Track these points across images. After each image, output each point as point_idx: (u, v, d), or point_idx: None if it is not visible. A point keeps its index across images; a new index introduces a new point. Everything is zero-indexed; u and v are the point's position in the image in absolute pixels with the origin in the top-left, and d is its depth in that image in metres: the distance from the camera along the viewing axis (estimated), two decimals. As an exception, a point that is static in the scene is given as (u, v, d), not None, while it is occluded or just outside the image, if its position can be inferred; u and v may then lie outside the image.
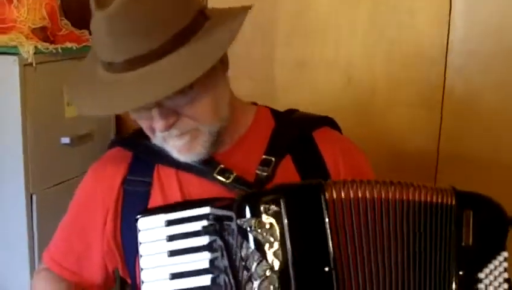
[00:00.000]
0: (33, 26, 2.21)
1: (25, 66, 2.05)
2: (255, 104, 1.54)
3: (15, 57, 2.04)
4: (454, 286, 1.23)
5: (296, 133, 1.46)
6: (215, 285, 1.24)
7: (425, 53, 2.22)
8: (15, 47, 2.06)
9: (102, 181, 1.45)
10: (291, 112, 1.54)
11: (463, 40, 2.18)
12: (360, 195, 1.22)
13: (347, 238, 1.20)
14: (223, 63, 1.33)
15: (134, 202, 1.39)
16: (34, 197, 2.12)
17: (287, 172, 1.41)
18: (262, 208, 1.17)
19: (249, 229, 1.15)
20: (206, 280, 1.25)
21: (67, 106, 2.25)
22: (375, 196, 1.22)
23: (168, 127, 1.29)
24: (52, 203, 2.11)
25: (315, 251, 1.17)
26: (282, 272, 1.14)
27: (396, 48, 2.25)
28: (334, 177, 1.42)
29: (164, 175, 1.41)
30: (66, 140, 2.23)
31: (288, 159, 1.43)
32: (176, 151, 1.35)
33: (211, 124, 1.32)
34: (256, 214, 1.17)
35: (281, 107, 1.59)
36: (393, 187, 1.25)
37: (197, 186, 1.38)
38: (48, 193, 2.18)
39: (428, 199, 1.25)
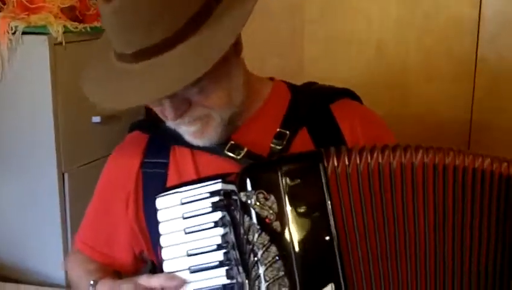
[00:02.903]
0: (62, 6, 2.17)
1: (54, 45, 2.05)
2: (271, 79, 1.47)
3: (45, 37, 2.03)
4: None
5: (312, 105, 1.39)
6: (228, 260, 1.21)
7: (458, 25, 2.17)
8: (44, 26, 2.04)
9: (121, 166, 1.43)
10: (309, 85, 1.48)
11: (495, 12, 2.12)
12: (364, 161, 1.13)
13: (352, 207, 1.12)
14: (236, 45, 1.27)
15: (153, 184, 1.37)
16: (66, 176, 2.12)
17: (303, 145, 1.34)
18: (261, 180, 1.13)
19: (249, 202, 1.12)
20: (219, 255, 1.22)
21: (97, 84, 2.27)
22: (381, 160, 1.13)
23: (179, 116, 1.25)
24: (84, 182, 2.08)
25: (315, 220, 1.12)
26: (283, 243, 1.10)
27: (429, 21, 2.20)
28: None
29: (180, 155, 1.38)
30: (96, 119, 2.21)
31: (304, 132, 1.36)
32: (188, 135, 1.32)
33: (224, 110, 1.28)
34: (255, 186, 1.13)
35: (310, 84, 1.51)
36: (405, 151, 1.15)
37: (211, 164, 1.34)
38: (80, 171, 2.16)
39: (464, 162, 1.13)
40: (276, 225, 1.10)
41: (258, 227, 1.11)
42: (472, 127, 2.21)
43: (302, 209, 1.11)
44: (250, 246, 1.12)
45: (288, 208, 1.11)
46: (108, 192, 1.45)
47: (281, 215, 1.11)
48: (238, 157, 1.31)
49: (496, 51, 2.15)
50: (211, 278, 1.23)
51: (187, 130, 1.31)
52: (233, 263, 1.20)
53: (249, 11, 1.19)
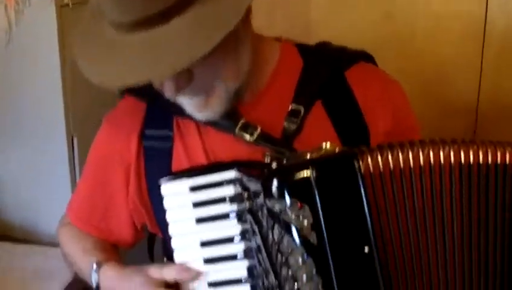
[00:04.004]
0: (69, -33, 2.19)
1: (61, 7, 1.98)
2: (278, 39, 1.35)
3: (51, -1, 1.95)
4: None
5: (326, 74, 1.29)
6: (247, 256, 1.16)
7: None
8: (51, -12, 1.94)
9: (117, 134, 1.33)
10: (321, 47, 1.36)
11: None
12: (402, 164, 1.04)
13: (388, 216, 1.04)
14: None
15: (157, 160, 1.28)
16: (75, 139, 2.09)
17: (318, 121, 1.26)
18: (290, 188, 1.02)
19: (278, 211, 1.02)
20: (236, 248, 1.17)
21: (105, 46, 2.25)
22: (422, 163, 1.04)
23: (179, 91, 1.14)
24: None
25: (353, 231, 1.03)
26: (319, 257, 1.02)
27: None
28: (370, 120, 1.28)
29: (185, 128, 1.27)
30: (105, 82, 2.24)
31: (319, 106, 1.27)
32: (189, 107, 1.20)
33: (230, 81, 1.17)
34: (285, 195, 1.02)
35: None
36: (447, 147, 1.05)
37: (220, 142, 1.25)
38: (89, 134, 2.14)
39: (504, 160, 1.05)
40: (313, 237, 1.01)
41: (293, 239, 1.03)
42: (481, 90, 2.18)
43: (338, 219, 1.03)
44: (284, 258, 1.04)
45: (324, 218, 1.02)
46: (104, 163, 1.35)
47: (316, 226, 1.01)
48: (252, 138, 1.22)
49: (506, 14, 2.12)
50: (227, 270, 1.18)
51: (189, 102, 1.20)
52: (254, 258, 1.15)
53: None
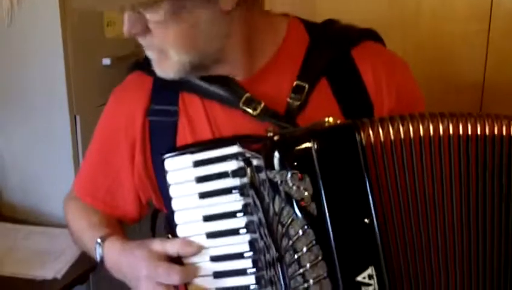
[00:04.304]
0: None
1: None
2: (286, 15, 1.34)
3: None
4: None
5: (332, 51, 1.29)
6: (249, 231, 1.16)
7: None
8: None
9: (123, 109, 1.33)
10: (328, 24, 1.35)
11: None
12: (402, 135, 1.04)
13: (389, 186, 1.04)
14: None
15: (162, 134, 1.28)
16: (78, 118, 2.10)
17: (323, 98, 1.25)
18: (291, 159, 1.03)
19: (279, 182, 1.02)
20: (239, 222, 1.17)
21: (107, 26, 2.18)
22: (422, 134, 1.04)
23: (131, 34, 1.17)
24: (96, 124, 2.09)
25: (353, 202, 1.03)
26: (319, 228, 1.02)
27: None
28: (375, 99, 1.27)
29: (190, 104, 1.28)
30: (107, 61, 2.18)
31: (324, 83, 1.26)
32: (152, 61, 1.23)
33: (181, 52, 1.17)
34: (285, 165, 1.02)
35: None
36: (446, 120, 1.05)
37: (224, 117, 1.26)
38: (91, 113, 2.09)
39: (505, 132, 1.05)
40: (312, 208, 1.02)
41: (293, 210, 1.03)
42: (487, 67, 2.17)
43: (338, 190, 1.03)
44: (284, 229, 1.04)
45: (324, 189, 1.02)
46: (110, 137, 1.35)
47: (316, 197, 1.02)
48: (255, 113, 1.22)
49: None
50: (229, 244, 1.18)
51: (150, 56, 1.22)
52: (255, 232, 1.14)
53: None
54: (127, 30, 1.17)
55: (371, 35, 1.35)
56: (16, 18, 2.05)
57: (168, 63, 1.19)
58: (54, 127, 2.11)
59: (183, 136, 1.27)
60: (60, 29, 2.02)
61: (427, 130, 1.05)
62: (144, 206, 1.39)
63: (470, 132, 1.05)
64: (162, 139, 1.28)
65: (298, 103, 1.24)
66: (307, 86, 1.25)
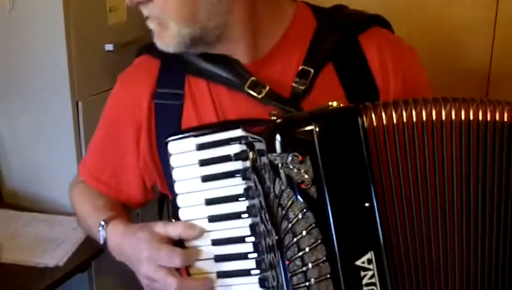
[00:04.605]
0: None
1: None
2: (293, 0, 1.34)
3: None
4: None
5: (339, 37, 1.28)
6: (251, 215, 1.15)
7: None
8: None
9: (130, 94, 1.33)
10: (336, 10, 1.35)
11: None
12: (405, 119, 1.04)
13: (390, 170, 1.04)
14: None
15: (167, 117, 1.29)
16: (80, 104, 2.08)
17: (328, 83, 1.25)
18: (292, 142, 1.03)
19: (280, 165, 1.02)
20: (241, 206, 1.16)
21: (109, 12, 2.17)
22: (424, 118, 1.04)
23: (134, 3, 1.20)
24: (98, 111, 1.96)
25: (353, 185, 1.03)
26: (319, 211, 1.02)
27: None
28: (381, 85, 1.27)
29: (196, 87, 1.28)
30: (109, 47, 2.16)
31: (330, 68, 1.26)
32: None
33: (181, 23, 1.19)
34: (286, 148, 1.02)
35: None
36: (448, 105, 1.05)
37: (229, 100, 1.26)
38: (94, 100, 2.11)
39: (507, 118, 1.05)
40: (313, 191, 1.01)
41: (293, 193, 1.03)
42: (493, 54, 2.15)
43: (339, 173, 1.03)
44: (283, 211, 1.04)
45: (325, 172, 1.02)
46: (116, 121, 1.36)
47: (317, 180, 1.01)
48: (259, 96, 1.22)
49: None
50: (231, 228, 1.18)
51: (151, 27, 1.24)
52: (257, 216, 1.14)
53: None
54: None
55: (378, 21, 1.34)
56: (18, 3, 2.04)
57: (168, 35, 1.20)
58: (56, 113, 2.10)
59: (188, 120, 1.27)
60: (62, 15, 2.01)
61: (429, 114, 1.05)
62: (149, 191, 1.40)
63: (471, 117, 1.05)
64: (167, 122, 1.28)
65: (303, 87, 1.24)
66: (312, 70, 1.25)
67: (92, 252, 1.95)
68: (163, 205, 1.42)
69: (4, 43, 2.12)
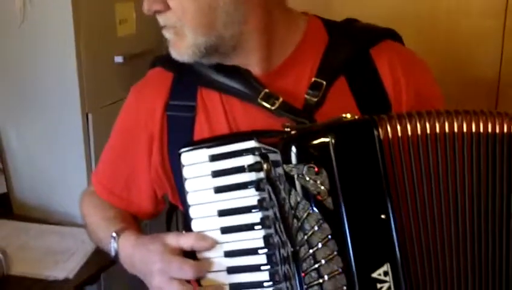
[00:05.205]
0: None
1: None
2: (305, 13, 1.35)
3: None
4: None
5: (351, 50, 1.29)
6: (264, 226, 1.15)
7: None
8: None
9: (143, 104, 1.33)
10: (348, 23, 1.37)
11: None
12: (419, 131, 1.04)
13: (405, 182, 1.04)
14: None
15: (179, 129, 1.29)
16: (90, 116, 2.09)
17: (340, 96, 1.26)
18: (308, 153, 1.02)
19: (296, 176, 1.02)
20: (254, 218, 1.16)
21: (119, 24, 2.19)
22: (438, 131, 1.05)
23: (151, 12, 1.21)
24: (108, 122, 2.00)
25: (369, 197, 1.02)
26: (334, 222, 1.01)
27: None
28: (393, 99, 1.27)
29: (208, 99, 1.29)
30: (119, 59, 2.19)
31: (343, 81, 1.27)
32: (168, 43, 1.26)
33: (197, 32, 1.19)
34: (302, 159, 1.02)
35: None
36: (460, 117, 1.06)
37: (242, 112, 1.27)
38: (103, 111, 2.13)
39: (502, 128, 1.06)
40: (329, 202, 1.01)
41: (309, 204, 1.02)
42: (503, 62, 2.15)
43: (355, 185, 1.02)
44: (299, 223, 1.03)
45: (341, 184, 1.01)
46: (129, 132, 1.36)
47: (333, 192, 1.01)
48: (273, 107, 1.23)
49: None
50: (244, 240, 1.18)
51: (166, 36, 1.25)
52: (271, 227, 1.14)
53: None
54: (147, 6, 1.20)
55: (390, 35, 1.35)
56: (29, 16, 2.05)
57: (184, 45, 1.21)
58: (66, 126, 2.11)
59: (201, 131, 1.28)
60: (72, 27, 2.02)
61: (442, 126, 1.05)
62: (160, 202, 1.40)
63: (481, 130, 1.06)
64: (179, 134, 1.29)
65: (316, 99, 1.25)
66: (324, 83, 1.26)
67: (101, 264, 1.95)
68: (172, 216, 1.43)
69: (15, 55, 2.13)
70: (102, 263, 1.94)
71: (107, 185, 1.41)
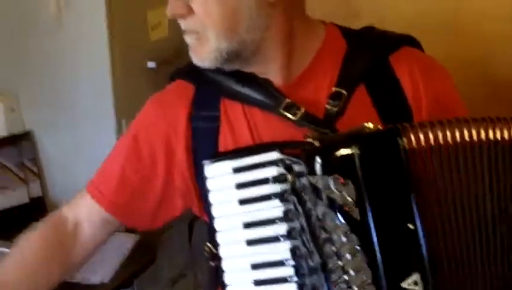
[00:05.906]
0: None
1: None
2: (323, 22, 1.34)
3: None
4: None
5: (370, 58, 1.29)
6: (290, 237, 1.15)
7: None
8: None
9: (164, 117, 1.31)
10: (365, 31, 1.36)
11: None
12: (441, 140, 1.04)
13: (431, 192, 1.04)
14: None
15: (204, 141, 1.28)
16: (123, 121, 2.11)
17: (361, 105, 1.25)
18: (334, 164, 1.03)
19: (321, 187, 1.02)
20: (279, 229, 1.15)
21: (151, 30, 2.21)
22: (458, 139, 1.05)
23: (175, 16, 1.21)
24: None
25: (396, 207, 1.02)
26: (362, 233, 1.01)
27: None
28: (413, 106, 1.27)
29: (231, 109, 1.28)
30: (152, 64, 2.21)
31: (362, 90, 1.26)
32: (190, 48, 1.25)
33: (219, 36, 1.19)
34: (327, 171, 1.02)
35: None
36: (478, 125, 1.06)
37: (263, 122, 1.26)
38: None
39: None
40: (356, 213, 1.01)
41: (336, 215, 1.02)
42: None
43: (381, 195, 1.02)
44: (327, 234, 1.04)
45: (367, 194, 1.01)
46: (147, 144, 1.32)
47: (360, 202, 1.01)
48: (295, 118, 1.22)
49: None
50: (270, 251, 1.17)
51: (188, 41, 1.24)
52: (297, 239, 1.13)
53: None
54: (170, 11, 1.21)
55: (409, 41, 1.34)
56: (64, 24, 2.08)
57: (206, 50, 1.21)
58: (100, 132, 2.14)
59: (225, 142, 1.27)
60: (106, 34, 2.05)
61: (463, 135, 1.05)
62: (157, 220, 1.37)
63: (506, 137, 1.06)
64: (204, 145, 1.28)
65: (336, 109, 1.24)
66: (345, 92, 1.25)
67: (135, 268, 1.97)
68: (193, 226, 1.43)
69: (50, 62, 2.16)
70: (135, 267, 1.96)
71: (108, 196, 1.34)
